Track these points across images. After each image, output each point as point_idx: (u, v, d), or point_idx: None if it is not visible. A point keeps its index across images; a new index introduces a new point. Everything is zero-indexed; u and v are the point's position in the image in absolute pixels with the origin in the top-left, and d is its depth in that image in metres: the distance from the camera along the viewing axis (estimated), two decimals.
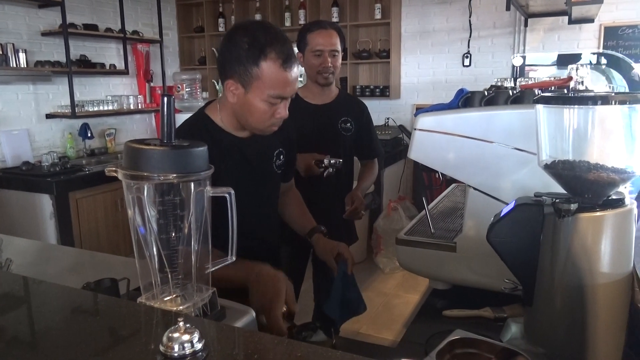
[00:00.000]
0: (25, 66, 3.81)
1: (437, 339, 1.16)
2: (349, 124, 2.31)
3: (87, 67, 4.35)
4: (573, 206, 1.05)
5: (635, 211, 1.11)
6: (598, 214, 1.06)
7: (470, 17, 4.41)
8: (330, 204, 2.26)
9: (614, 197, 1.09)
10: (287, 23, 5.02)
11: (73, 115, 4.08)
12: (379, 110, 4.93)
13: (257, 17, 5.12)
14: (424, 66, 4.72)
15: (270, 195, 1.67)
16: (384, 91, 4.74)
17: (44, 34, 4.06)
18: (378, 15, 4.61)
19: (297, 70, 1.49)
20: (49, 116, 4.13)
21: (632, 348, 1.17)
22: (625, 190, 1.16)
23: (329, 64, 2.20)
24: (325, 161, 2.12)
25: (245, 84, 1.38)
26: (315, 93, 2.31)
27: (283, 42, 1.36)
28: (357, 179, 2.46)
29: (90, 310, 0.91)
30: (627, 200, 1.10)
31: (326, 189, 2.27)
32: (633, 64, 2.89)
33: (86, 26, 4.28)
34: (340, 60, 2.26)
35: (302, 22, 4.91)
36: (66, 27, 3.96)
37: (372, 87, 4.81)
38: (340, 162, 2.14)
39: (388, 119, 4.74)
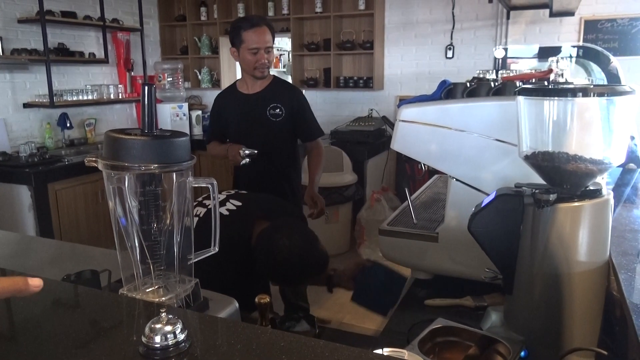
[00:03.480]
0: (1, 54, 3.72)
1: (419, 328, 1.18)
2: (278, 110, 2.42)
3: (65, 55, 4.26)
4: (552, 197, 1.06)
5: (612, 202, 1.14)
6: (576, 204, 1.08)
7: (453, 9, 4.43)
8: (268, 184, 2.41)
9: (591, 187, 1.11)
10: (271, 12, 4.97)
11: (51, 104, 3.99)
12: (362, 102, 4.93)
13: (240, 6, 5.06)
14: (407, 57, 4.73)
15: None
16: (367, 82, 4.74)
17: (20, 21, 3.96)
18: (362, 6, 4.60)
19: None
20: (26, 105, 4.04)
21: (607, 334, 1.21)
22: (603, 181, 1.19)
23: (265, 60, 2.34)
24: (241, 152, 2.31)
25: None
26: (249, 84, 2.47)
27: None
28: (308, 171, 2.57)
29: (71, 302, 0.90)
30: (604, 191, 1.12)
31: (266, 173, 2.43)
32: (611, 57, 2.93)
33: (64, 13, 4.18)
34: (273, 54, 2.40)
35: (285, 11, 4.88)
36: (43, 14, 3.86)
37: (355, 78, 4.81)
38: (255, 153, 2.32)
39: (371, 110, 4.75)
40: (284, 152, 2.52)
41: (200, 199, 1.69)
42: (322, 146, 2.60)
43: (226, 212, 1.61)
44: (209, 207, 1.57)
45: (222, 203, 1.64)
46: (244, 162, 2.33)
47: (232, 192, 1.75)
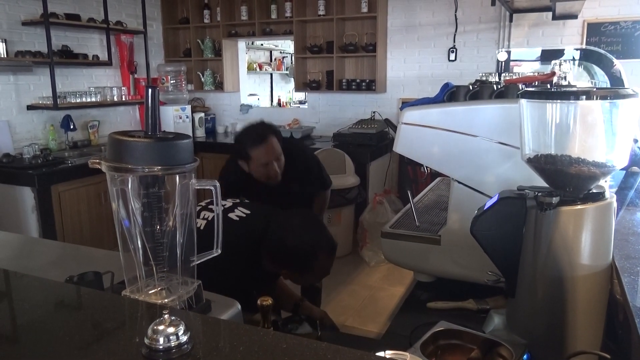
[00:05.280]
0: (5, 56, 3.73)
1: (422, 331, 1.18)
2: (296, 188, 2.41)
3: (69, 57, 4.27)
4: (555, 199, 1.06)
5: (615, 205, 1.13)
6: (579, 207, 1.08)
7: (455, 11, 4.43)
8: None
9: (594, 190, 1.11)
10: (274, 15, 4.98)
11: (55, 106, 4.00)
12: (364, 104, 4.94)
13: (243, 9, 5.07)
14: (410, 60, 4.73)
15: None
16: (370, 85, 4.74)
17: (24, 24, 3.97)
18: (364, 9, 4.60)
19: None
20: (30, 107, 4.06)
21: (610, 338, 1.20)
22: (606, 184, 1.19)
23: (277, 169, 2.26)
24: None
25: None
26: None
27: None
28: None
29: (74, 303, 0.90)
30: (607, 194, 1.12)
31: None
32: (614, 60, 2.93)
33: (68, 16, 4.20)
34: (283, 157, 2.31)
35: (287, 14, 4.89)
36: (47, 17, 3.88)
37: (358, 80, 4.81)
38: None
39: (374, 112, 4.75)
40: (304, 203, 2.56)
41: (204, 203, 1.70)
42: (328, 196, 2.66)
43: (236, 218, 1.62)
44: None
45: (231, 209, 1.66)
46: None
47: (237, 200, 1.77)
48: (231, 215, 1.63)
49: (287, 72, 7.61)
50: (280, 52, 7.72)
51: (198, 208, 1.64)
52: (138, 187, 0.89)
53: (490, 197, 1.23)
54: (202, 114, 5.36)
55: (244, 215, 1.64)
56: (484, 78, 1.98)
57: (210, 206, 1.66)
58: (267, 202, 2.37)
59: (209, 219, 1.60)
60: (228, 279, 1.30)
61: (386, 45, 4.77)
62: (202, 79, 5.48)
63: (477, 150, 1.46)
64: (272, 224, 1.60)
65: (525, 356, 1.09)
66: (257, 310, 1.16)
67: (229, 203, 1.70)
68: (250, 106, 5.62)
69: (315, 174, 2.56)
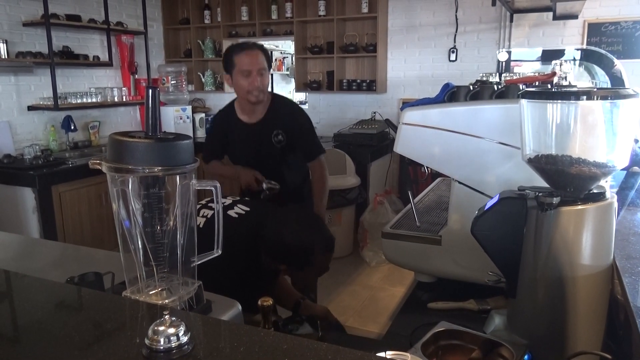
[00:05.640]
0: (6, 57, 3.74)
1: (422, 331, 1.17)
2: (280, 136, 2.36)
3: (70, 58, 4.28)
4: (555, 200, 1.06)
5: (616, 205, 1.13)
6: (579, 207, 1.08)
7: (456, 12, 4.43)
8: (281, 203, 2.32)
9: (595, 191, 1.11)
10: (274, 16, 4.98)
11: (56, 107, 4.01)
12: (365, 104, 4.94)
13: (244, 9, 5.07)
14: (410, 60, 4.73)
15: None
16: (370, 85, 4.74)
17: (25, 24, 3.98)
18: (365, 9, 4.61)
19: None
20: (30, 108, 4.06)
21: (611, 338, 1.20)
22: (607, 184, 1.19)
23: (258, 83, 2.23)
24: (264, 185, 2.24)
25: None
26: (248, 110, 2.37)
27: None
28: (313, 195, 2.48)
29: (75, 304, 0.90)
30: (608, 194, 1.12)
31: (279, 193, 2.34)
32: (615, 60, 2.93)
33: (69, 17, 4.20)
34: (268, 78, 2.31)
35: (288, 14, 4.89)
36: (48, 18, 3.88)
37: (358, 81, 4.81)
38: (277, 187, 2.24)
39: (374, 113, 4.75)
40: (294, 171, 2.48)
41: (204, 201, 1.71)
42: (324, 165, 2.48)
43: (235, 215, 1.63)
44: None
45: (230, 207, 1.66)
46: (264, 194, 2.25)
47: (237, 197, 1.77)
48: (230, 212, 1.63)
49: (288, 72, 7.61)
50: (281, 53, 7.72)
51: (198, 206, 1.64)
52: (138, 188, 0.89)
53: (491, 198, 1.23)
54: (203, 115, 5.36)
55: (243, 213, 1.65)
56: (484, 78, 1.98)
57: (210, 204, 1.66)
58: (250, 145, 2.38)
59: (209, 216, 1.60)
60: (228, 277, 1.31)
61: (386, 46, 4.77)
62: (203, 80, 5.49)
63: (477, 151, 1.46)
64: (269, 220, 1.60)
65: (526, 356, 1.09)
66: (257, 310, 1.16)
67: (228, 200, 1.71)
68: None
69: (304, 130, 2.43)
